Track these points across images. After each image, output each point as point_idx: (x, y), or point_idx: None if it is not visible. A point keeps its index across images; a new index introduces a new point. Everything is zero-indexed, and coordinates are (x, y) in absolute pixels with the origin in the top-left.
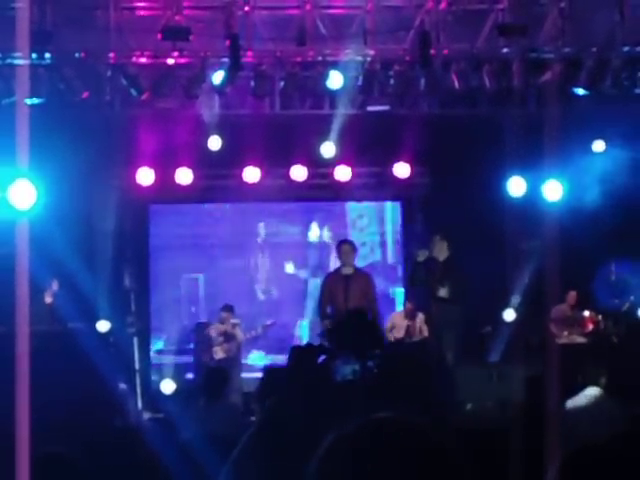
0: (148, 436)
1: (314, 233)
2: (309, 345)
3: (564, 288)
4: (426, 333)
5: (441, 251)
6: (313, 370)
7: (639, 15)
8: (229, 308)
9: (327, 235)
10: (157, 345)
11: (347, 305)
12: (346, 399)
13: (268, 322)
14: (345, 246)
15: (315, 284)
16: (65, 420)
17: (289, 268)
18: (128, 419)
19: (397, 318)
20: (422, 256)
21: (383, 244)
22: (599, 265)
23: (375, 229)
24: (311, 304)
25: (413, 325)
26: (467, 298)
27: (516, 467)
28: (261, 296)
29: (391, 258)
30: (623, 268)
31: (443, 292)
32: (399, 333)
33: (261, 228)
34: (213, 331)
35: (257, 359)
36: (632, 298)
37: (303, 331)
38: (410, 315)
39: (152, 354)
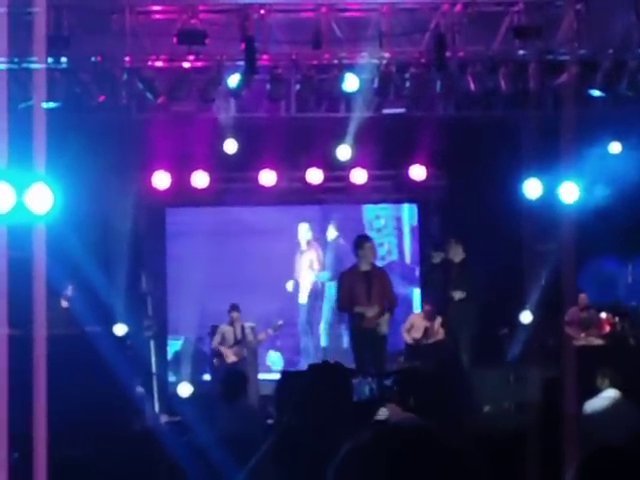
0: (165, 439)
1: (331, 235)
2: (327, 364)
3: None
4: (442, 335)
5: (456, 254)
6: (332, 390)
7: None
8: (236, 307)
9: (340, 236)
10: (174, 347)
11: (370, 302)
12: (365, 417)
13: (280, 322)
14: (367, 243)
15: (331, 287)
16: (82, 423)
17: (308, 270)
18: (145, 422)
19: (416, 319)
20: (437, 258)
21: (400, 245)
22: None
23: (392, 230)
24: (328, 306)
25: (432, 326)
26: (482, 300)
27: (534, 469)
28: (302, 300)
29: (408, 259)
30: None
31: (458, 294)
32: (417, 334)
33: (302, 227)
34: (223, 334)
35: (275, 361)
36: None
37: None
38: (429, 316)
39: (169, 357)
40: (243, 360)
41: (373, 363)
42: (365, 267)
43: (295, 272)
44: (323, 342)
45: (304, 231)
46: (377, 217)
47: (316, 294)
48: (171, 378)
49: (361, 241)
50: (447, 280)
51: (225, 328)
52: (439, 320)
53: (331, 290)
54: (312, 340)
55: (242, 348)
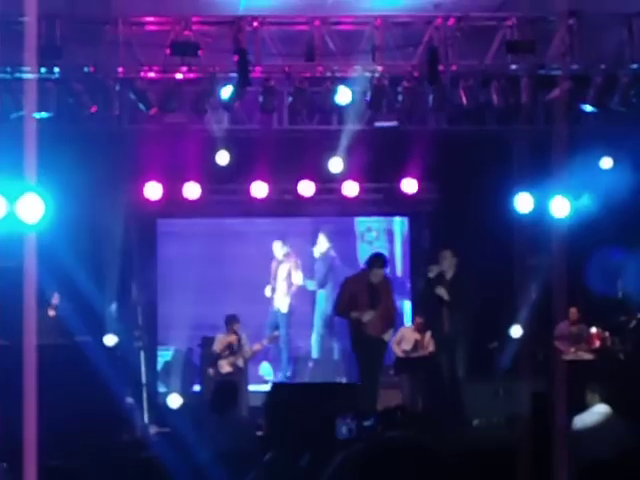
0: (154, 450)
1: (321, 245)
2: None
3: (568, 304)
4: (432, 348)
5: (451, 266)
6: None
7: None
8: (233, 319)
9: (330, 246)
10: (164, 358)
11: (375, 310)
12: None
13: (275, 333)
14: (379, 271)
15: (322, 296)
16: (72, 434)
17: (298, 279)
18: (134, 433)
19: (406, 331)
20: (434, 271)
21: (391, 258)
22: (605, 282)
23: (383, 243)
24: (319, 318)
25: (422, 339)
26: (474, 314)
27: None
28: (277, 306)
29: (400, 272)
30: (630, 284)
31: (443, 293)
32: (407, 346)
33: (277, 245)
34: (218, 344)
35: (267, 372)
36: (639, 315)
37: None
38: (420, 329)
39: (159, 367)
40: (238, 371)
41: (370, 370)
42: (373, 280)
43: (273, 282)
44: (314, 354)
45: (278, 249)
46: (369, 229)
47: (294, 307)
48: (161, 389)
49: (373, 263)
50: (437, 293)
51: (220, 338)
52: (429, 333)
53: (321, 301)
54: (292, 351)
55: (237, 359)
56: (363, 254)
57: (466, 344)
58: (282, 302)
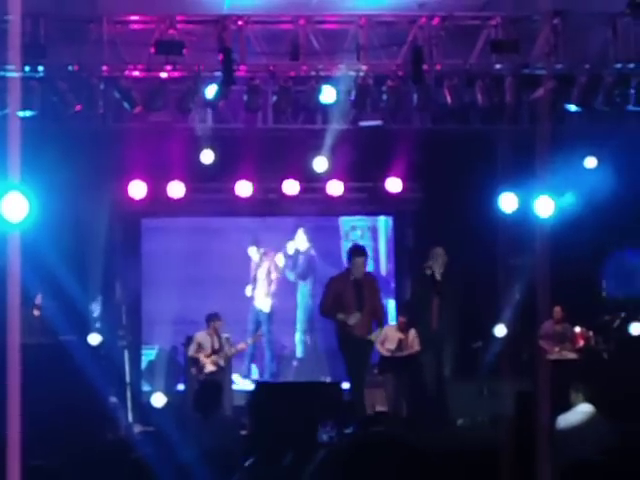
0: (139, 450)
1: (299, 241)
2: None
3: (552, 304)
4: (417, 347)
5: (443, 264)
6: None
7: (631, 32)
8: (215, 317)
9: (312, 247)
10: (148, 357)
11: (361, 310)
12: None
13: (259, 332)
14: (359, 259)
15: (304, 291)
16: (56, 433)
17: (276, 273)
18: (118, 432)
19: (390, 330)
20: (429, 270)
21: (376, 257)
22: (589, 281)
23: (368, 242)
24: (301, 316)
25: (406, 338)
26: (460, 313)
27: None
28: (258, 306)
29: (384, 271)
30: (613, 284)
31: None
32: (391, 345)
33: (252, 250)
34: (200, 343)
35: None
36: (623, 314)
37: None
38: (403, 328)
39: (143, 366)
40: (221, 370)
41: (356, 371)
42: (357, 276)
43: (254, 277)
44: (298, 353)
45: (254, 253)
46: (353, 228)
47: (276, 306)
48: (145, 388)
49: (353, 253)
50: (433, 292)
51: (202, 337)
52: (413, 332)
53: (303, 296)
54: (276, 350)
55: (219, 358)
56: None
57: (454, 343)
58: (264, 302)
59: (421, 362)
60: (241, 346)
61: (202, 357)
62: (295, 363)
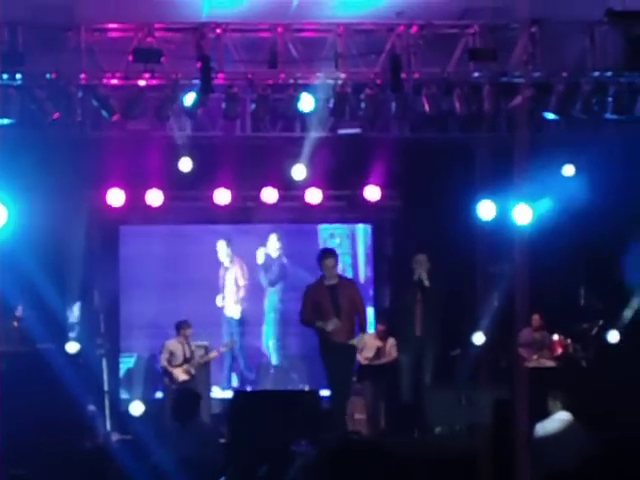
0: (117, 458)
1: (272, 245)
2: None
3: (531, 311)
4: (395, 354)
5: (427, 271)
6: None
7: (609, 40)
8: (185, 324)
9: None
10: (127, 365)
11: (339, 316)
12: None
13: (233, 340)
14: (327, 260)
15: (272, 298)
16: (33, 441)
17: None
18: (97, 441)
19: (369, 339)
20: (417, 275)
21: (355, 264)
22: (567, 289)
23: (347, 249)
24: (273, 325)
25: (384, 347)
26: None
27: None
28: (229, 314)
29: (363, 279)
30: (591, 292)
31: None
32: (369, 353)
33: (221, 245)
34: (171, 352)
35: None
36: (601, 322)
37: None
38: (382, 336)
39: (122, 374)
40: (193, 378)
41: (338, 378)
42: (331, 281)
43: (223, 285)
44: (274, 360)
45: (223, 248)
46: (332, 236)
47: (246, 312)
48: (123, 395)
49: (322, 256)
50: (418, 298)
51: (174, 345)
52: (392, 340)
53: (272, 301)
54: (253, 358)
55: (191, 366)
56: None
57: (433, 350)
58: (233, 309)
59: (398, 370)
60: (213, 354)
61: (172, 368)
62: (272, 371)
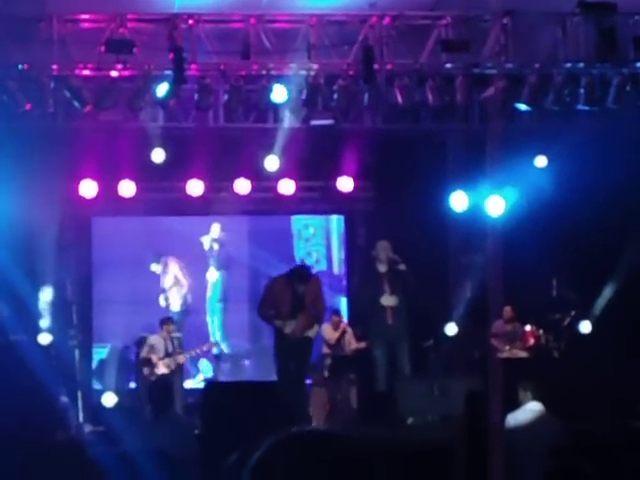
0: (89, 450)
1: (215, 232)
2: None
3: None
4: (354, 345)
5: (387, 258)
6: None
7: (581, 32)
8: (169, 320)
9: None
10: (100, 355)
11: (293, 315)
12: None
13: (213, 340)
14: (301, 286)
15: (217, 289)
16: (5, 433)
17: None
18: (69, 432)
19: (327, 331)
20: (383, 267)
21: (328, 255)
22: (540, 280)
23: (320, 240)
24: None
25: (342, 336)
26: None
27: None
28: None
29: (337, 269)
30: (564, 283)
31: (391, 301)
32: (329, 344)
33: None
34: (152, 346)
35: (206, 369)
36: (573, 313)
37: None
38: (338, 326)
39: (94, 365)
40: (172, 373)
41: (297, 371)
42: (297, 288)
43: (163, 287)
44: (225, 349)
45: (154, 267)
46: (306, 226)
47: (187, 309)
48: (96, 386)
49: (298, 277)
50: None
51: (156, 340)
52: (349, 330)
53: (216, 290)
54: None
55: (172, 360)
56: (299, 251)
57: (406, 341)
58: (177, 304)
59: (370, 359)
60: (192, 353)
61: (155, 359)
62: (247, 362)
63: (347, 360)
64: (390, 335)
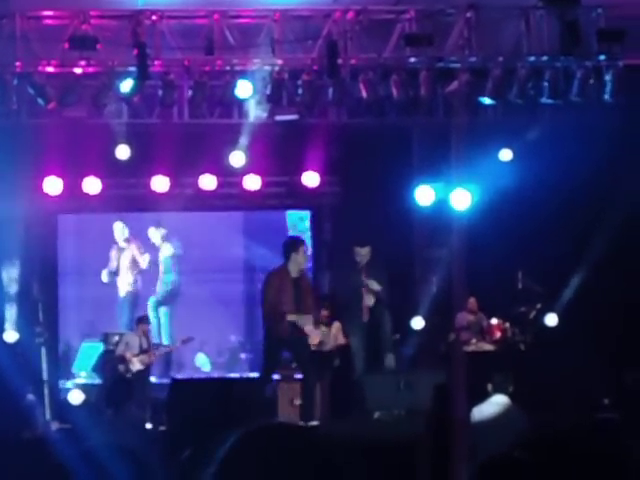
0: (55, 447)
1: (153, 236)
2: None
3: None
4: (342, 340)
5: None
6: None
7: (544, 25)
8: (144, 319)
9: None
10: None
11: (299, 308)
12: None
13: (185, 337)
14: (302, 247)
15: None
16: None
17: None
18: (36, 431)
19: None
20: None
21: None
22: (505, 273)
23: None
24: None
25: (328, 333)
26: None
27: (424, 477)
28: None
29: None
30: (529, 276)
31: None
32: (314, 340)
33: (117, 226)
34: (127, 343)
35: (203, 363)
36: (539, 306)
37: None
38: (325, 322)
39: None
40: (148, 368)
41: (298, 362)
42: (295, 274)
43: (111, 267)
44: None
45: (119, 230)
46: (301, 219)
47: (137, 295)
48: (62, 385)
49: (296, 243)
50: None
51: (130, 337)
52: (337, 325)
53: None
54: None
55: (147, 357)
56: None
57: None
58: (126, 288)
59: (349, 355)
60: (168, 349)
61: (129, 355)
62: (243, 356)
63: (323, 356)
64: (364, 331)
